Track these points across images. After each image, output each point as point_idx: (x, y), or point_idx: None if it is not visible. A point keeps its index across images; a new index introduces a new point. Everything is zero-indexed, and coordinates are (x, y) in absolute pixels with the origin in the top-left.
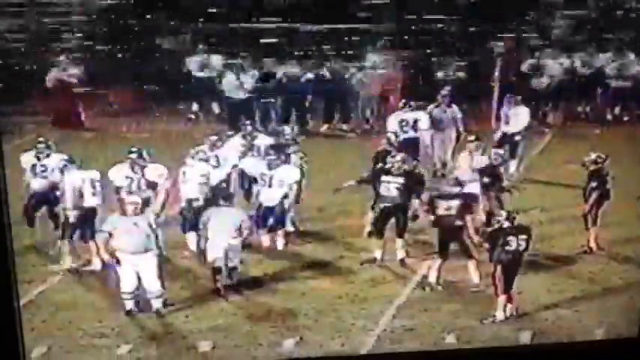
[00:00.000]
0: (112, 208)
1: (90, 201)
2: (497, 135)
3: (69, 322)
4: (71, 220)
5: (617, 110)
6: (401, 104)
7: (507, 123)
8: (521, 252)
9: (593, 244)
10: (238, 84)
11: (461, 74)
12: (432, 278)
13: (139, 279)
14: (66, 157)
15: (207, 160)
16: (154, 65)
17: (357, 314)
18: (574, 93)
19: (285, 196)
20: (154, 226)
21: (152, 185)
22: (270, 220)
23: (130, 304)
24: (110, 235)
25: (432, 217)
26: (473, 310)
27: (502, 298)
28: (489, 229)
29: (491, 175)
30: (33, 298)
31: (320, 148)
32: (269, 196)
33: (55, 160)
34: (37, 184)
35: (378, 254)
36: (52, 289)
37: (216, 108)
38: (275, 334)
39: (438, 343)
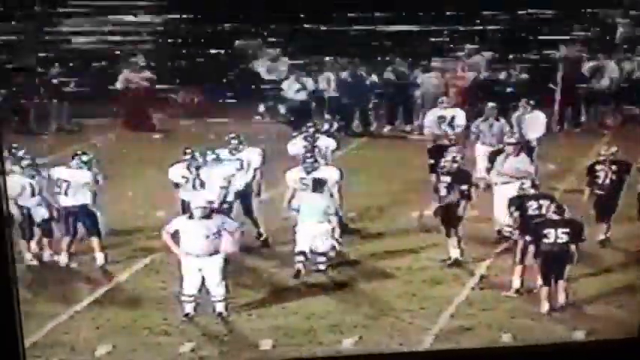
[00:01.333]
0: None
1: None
2: (511, 140)
3: (133, 321)
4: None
5: None
6: (439, 101)
7: (523, 129)
8: (561, 245)
9: None
10: (300, 86)
11: (524, 76)
12: (517, 284)
13: (203, 282)
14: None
15: (221, 161)
16: (222, 66)
17: (416, 313)
18: (633, 95)
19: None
20: (221, 229)
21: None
22: None
23: (189, 307)
24: (174, 235)
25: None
26: (529, 310)
27: (544, 291)
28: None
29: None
30: (98, 297)
31: (383, 149)
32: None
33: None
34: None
35: (453, 253)
36: (117, 289)
37: (282, 109)
38: (334, 333)
39: (494, 342)
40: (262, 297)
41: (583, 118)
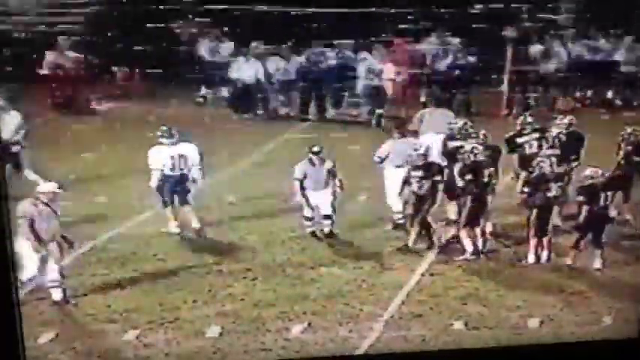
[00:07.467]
0: None
1: None
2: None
3: (76, 308)
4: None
5: (627, 95)
6: None
7: None
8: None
9: None
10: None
11: (471, 59)
12: (470, 247)
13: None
14: None
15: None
16: (163, 48)
17: (366, 300)
18: (582, 78)
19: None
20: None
21: None
22: None
23: (57, 293)
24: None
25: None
26: (482, 296)
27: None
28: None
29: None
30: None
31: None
32: None
33: None
34: None
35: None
36: None
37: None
38: (283, 319)
39: (446, 329)
40: (208, 282)
41: (532, 102)
